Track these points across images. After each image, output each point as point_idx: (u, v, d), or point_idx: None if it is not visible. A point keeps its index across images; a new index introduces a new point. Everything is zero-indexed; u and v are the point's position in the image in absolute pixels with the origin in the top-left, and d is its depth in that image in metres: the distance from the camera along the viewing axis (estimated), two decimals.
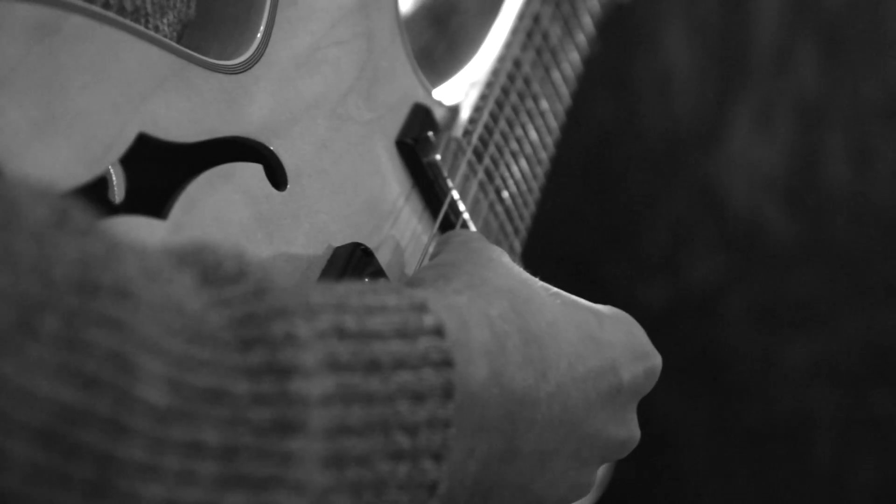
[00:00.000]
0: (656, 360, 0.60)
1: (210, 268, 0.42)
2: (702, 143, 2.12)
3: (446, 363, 0.46)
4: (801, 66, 2.11)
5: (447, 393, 0.46)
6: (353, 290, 0.46)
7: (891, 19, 2.10)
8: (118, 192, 0.52)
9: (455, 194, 0.69)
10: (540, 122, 0.80)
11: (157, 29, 0.58)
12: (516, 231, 0.76)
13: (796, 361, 2.06)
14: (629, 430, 0.59)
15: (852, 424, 2.05)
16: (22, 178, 0.36)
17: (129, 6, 0.56)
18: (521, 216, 0.76)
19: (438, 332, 0.47)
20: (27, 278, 0.35)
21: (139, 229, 0.49)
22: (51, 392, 0.35)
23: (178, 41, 0.60)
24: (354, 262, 0.60)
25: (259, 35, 0.60)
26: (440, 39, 0.88)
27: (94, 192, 0.49)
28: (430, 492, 0.46)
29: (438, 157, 0.68)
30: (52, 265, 0.35)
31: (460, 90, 0.76)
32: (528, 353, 0.53)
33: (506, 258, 0.58)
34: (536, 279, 0.58)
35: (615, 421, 0.57)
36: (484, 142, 0.74)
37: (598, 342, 0.56)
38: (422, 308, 0.47)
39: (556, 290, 0.58)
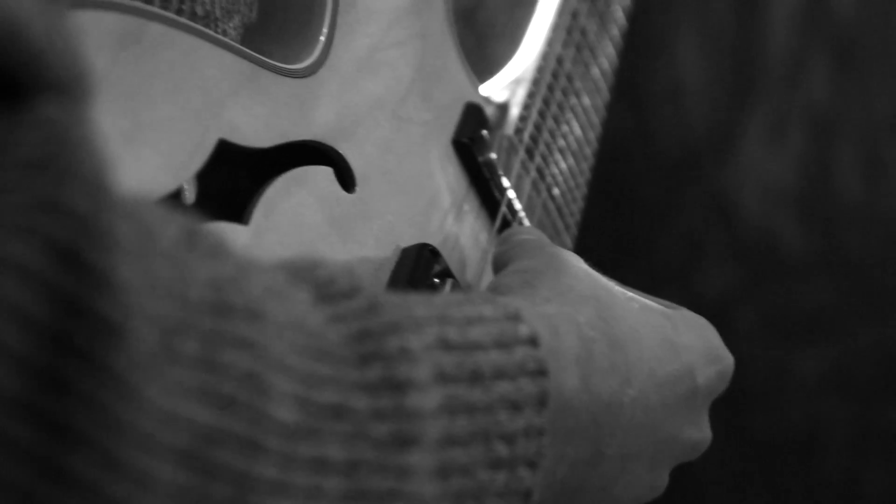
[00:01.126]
0: (729, 361, 0.61)
1: (324, 284, 0.42)
2: (714, 155, 2.12)
3: (541, 372, 0.47)
4: (813, 78, 2.12)
5: (542, 401, 0.47)
6: (452, 302, 0.47)
7: None
8: (189, 198, 0.52)
9: (511, 193, 0.70)
10: (583, 118, 0.81)
11: (224, 33, 0.59)
12: (567, 227, 0.77)
13: (809, 373, 2.06)
14: (702, 432, 0.60)
15: (865, 437, 2.05)
16: (146, 198, 0.36)
17: (200, 11, 0.56)
18: (570, 212, 0.77)
19: (533, 341, 0.47)
20: (166, 302, 0.35)
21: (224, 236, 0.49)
22: (192, 413, 0.35)
23: (243, 44, 0.61)
24: (423, 262, 0.60)
25: (322, 39, 0.61)
26: (468, 34, 0.88)
27: (173, 200, 0.50)
28: (525, 499, 0.46)
29: (494, 155, 0.69)
30: (187, 287, 0.36)
31: (504, 87, 0.77)
32: (614, 359, 0.53)
33: (581, 262, 0.59)
34: (613, 282, 0.59)
35: (690, 423, 0.58)
36: (534, 140, 0.75)
37: (676, 346, 0.57)
38: (516, 317, 0.47)
39: (630, 293, 0.59)
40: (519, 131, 0.73)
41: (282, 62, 0.58)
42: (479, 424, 0.44)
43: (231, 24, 0.59)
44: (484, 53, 0.93)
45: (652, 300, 0.64)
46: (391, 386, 0.40)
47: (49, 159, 0.33)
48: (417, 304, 0.45)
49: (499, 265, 0.61)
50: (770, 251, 2.14)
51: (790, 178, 2.14)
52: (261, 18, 0.62)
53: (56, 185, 0.33)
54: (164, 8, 0.54)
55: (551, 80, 0.78)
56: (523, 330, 0.47)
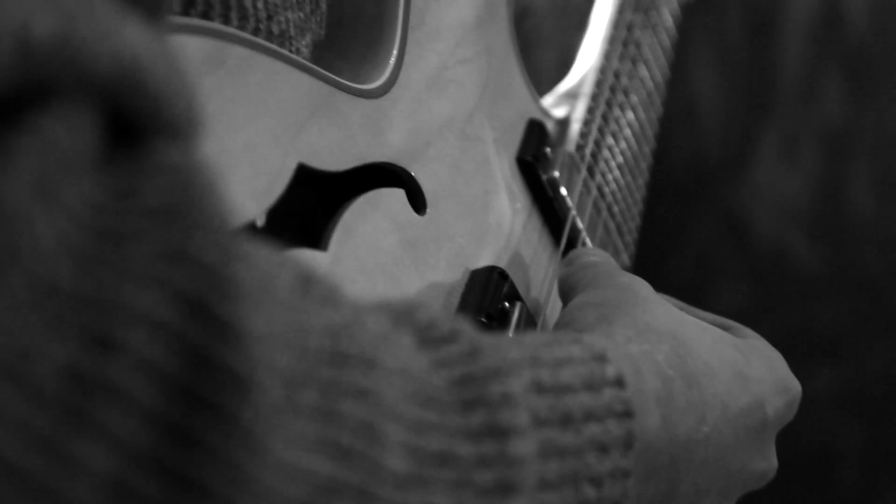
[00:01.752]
0: (797, 390, 0.62)
1: (425, 328, 0.42)
2: (727, 173, 2.12)
3: (627, 414, 0.47)
4: (826, 96, 2.11)
5: (628, 443, 0.47)
6: (541, 343, 0.47)
7: None
8: (259, 223, 0.52)
9: (574, 211, 0.69)
10: (639, 133, 0.81)
11: (298, 51, 0.57)
12: (626, 245, 0.76)
13: (822, 392, 2.05)
14: (769, 462, 0.60)
15: (878, 456, 2.04)
16: (259, 242, 0.36)
17: (276, 30, 0.55)
18: (629, 230, 0.77)
19: (619, 382, 0.48)
20: (287, 352, 0.34)
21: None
22: (312, 465, 0.34)
23: (313, 62, 0.60)
24: (492, 286, 0.59)
25: (393, 59, 0.59)
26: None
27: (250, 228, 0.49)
28: None
29: (557, 173, 0.68)
30: (306, 337, 0.35)
31: (563, 102, 0.76)
32: (690, 397, 0.54)
33: (650, 290, 0.59)
34: (684, 312, 0.59)
35: (759, 455, 0.59)
36: (594, 156, 0.74)
37: (747, 379, 0.58)
38: (603, 358, 0.48)
39: (703, 322, 0.59)
40: (580, 148, 0.72)
41: (353, 80, 0.57)
42: (570, 467, 0.44)
43: (304, 42, 0.58)
44: (529, 61, 0.92)
45: (716, 319, 0.64)
46: (494, 432, 0.41)
47: (175, 208, 0.33)
48: (511, 346, 0.45)
49: (566, 289, 0.60)
50: (783, 270, 2.13)
51: (803, 197, 2.14)
52: (329, 35, 0.61)
53: (184, 235, 0.32)
54: (242, 28, 0.53)
55: (609, 95, 0.77)
56: (610, 371, 0.47)
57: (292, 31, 0.56)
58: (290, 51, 0.57)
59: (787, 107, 2.12)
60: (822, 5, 2.10)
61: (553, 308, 0.65)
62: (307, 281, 0.37)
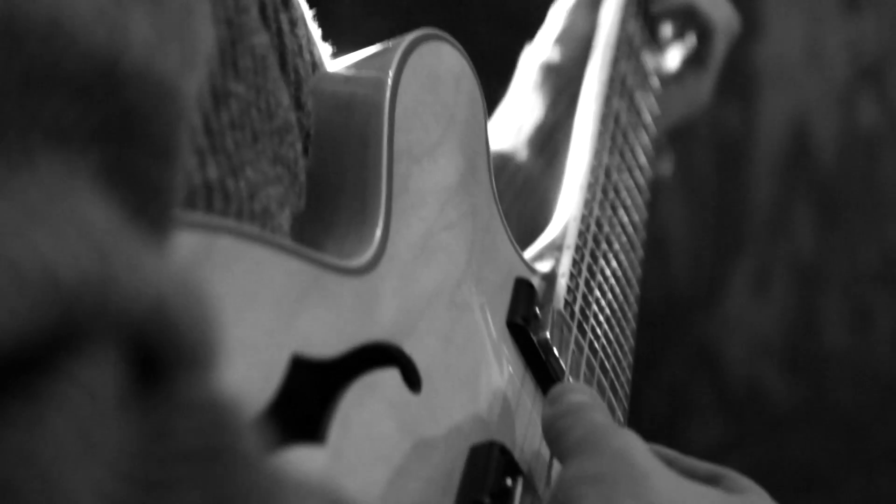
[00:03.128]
0: None
1: None
2: (699, 306, 2.11)
3: None
4: (797, 229, 2.12)
5: None
6: None
7: (885, 184, 2.11)
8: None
9: (568, 373, 0.67)
10: (622, 280, 0.79)
11: (280, 227, 0.55)
12: (618, 401, 0.73)
13: None
14: None
15: None
16: (282, 466, 0.34)
17: (258, 208, 0.53)
18: (620, 385, 0.74)
19: None
20: None
21: (302, 462, 0.46)
22: None
23: (295, 236, 0.58)
24: (493, 463, 0.57)
25: (378, 230, 0.57)
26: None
27: None
28: None
29: (548, 334, 0.66)
30: None
31: (546, 254, 0.75)
32: None
33: (648, 457, 0.57)
34: (676, 463, 0.59)
35: None
36: (584, 312, 0.72)
37: None
38: None
39: (701, 487, 0.57)
40: (568, 304, 0.70)
41: (338, 253, 0.56)
42: None
43: (284, 216, 0.56)
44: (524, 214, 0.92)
45: (710, 470, 0.63)
46: None
47: (213, 450, 0.32)
48: None
49: (553, 436, 0.58)
50: (756, 403, 2.11)
51: (776, 329, 2.13)
52: (311, 206, 0.59)
53: (226, 482, 0.31)
54: (226, 210, 0.51)
55: (593, 246, 0.76)
56: None
57: (273, 207, 0.55)
58: (272, 227, 0.55)
59: (757, 240, 2.12)
60: (791, 140, 2.12)
61: (554, 473, 0.63)
62: None
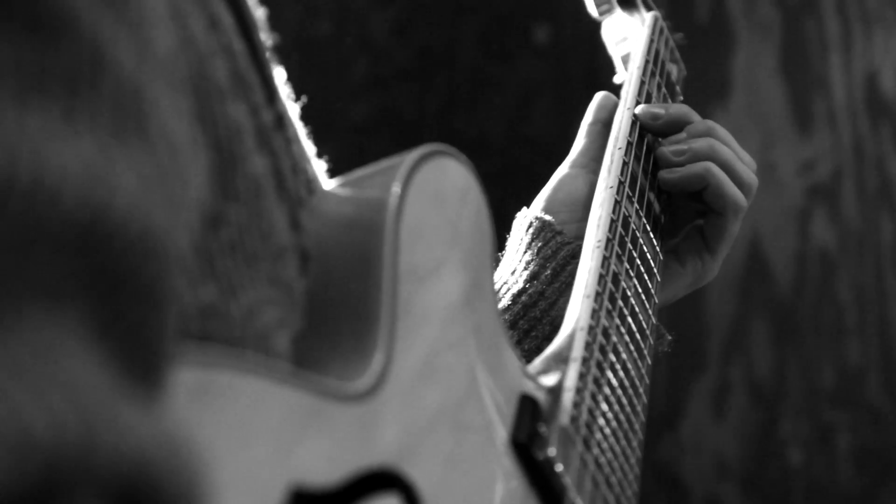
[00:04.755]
0: None
1: None
2: (657, 428, 2.09)
3: None
4: (754, 348, 2.11)
5: None
6: None
7: (841, 301, 2.12)
8: None
9: (572, 491, 0.66)
10: (630, 391, 0.77)
11: (278, 348, 0.55)
12: None
13: None
14: None
15: None
16: None
17: (256, 329, 0.53)
18: (628, 497, 0.72)
19: None
20: None
21: None
22: None
23: (295, 357, 0.57)
24: None
25: (381, 355, 0.56)
26: None
27: None
28: None
29: (553, 452, 0.65)
30: None
31: (552, 366, 0.73)
32: None
33: None
34: None
35: None
36: (590, 427, 0.70)
37: None
38: None
39: None
40: (574, 419, 0.69)
41: (341, 373, 0.55)
42: None
43: (282, 338, 0.55)
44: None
45: None
46: None
47: None
48: None
49: None
50: None
51: (733, 450, 2.11)
52: (311, 326, 0.58)
53: None
54: (223, 332, 0.51)
55: (600, 357, 0.74)
56: None
57: (271, 329, 0.54)
58: (270, 349, 0.54)
59: (714, 362, 2.11)
60: (747, 259, 2.12)
61: None
62: None
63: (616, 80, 1.07)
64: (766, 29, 2.14)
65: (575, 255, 0.89)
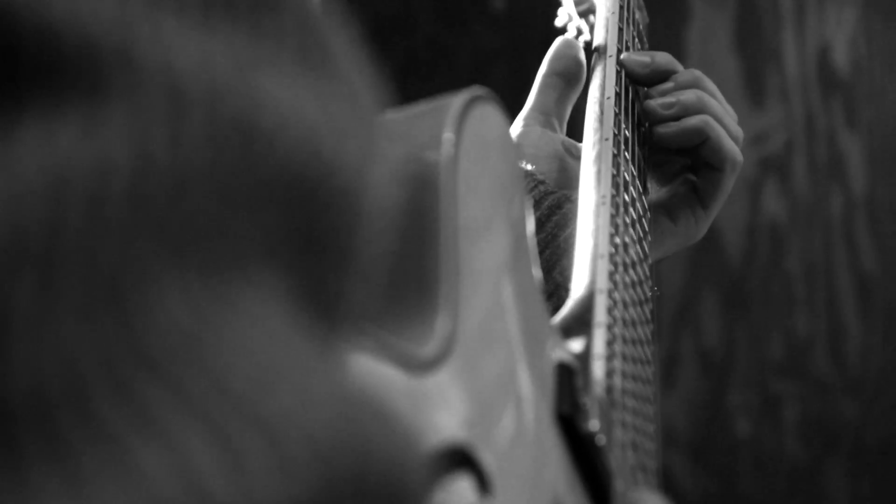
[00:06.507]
0: None
1: None
2: None
3: None
4: (703, 320, 2.11)
5: None
6: None
7: (791, 273, 2.13)
8: None
9: (613, 465, 0.63)
10: (645, 360, 0.74)
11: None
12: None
13: None
14: None
15: None
16: None
17: None
18: (652, 472, 0.70)
19: None
20: None
21: None
22: None
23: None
24: None
25: (449, 318, 0.52)
26: None
27: None
28: None
29: (595, 424, 0.62)
30: None
31: (576, 328, 0.70)
32: None
33: None
34: None
35: None
36: (623, 399, 0.68)
37: None
38: None
39: None
40: (609, 390, 0.66)
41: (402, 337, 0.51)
42: None
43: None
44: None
45: None
46: None
47: None
48: None
49: None
50: (664, 493, 2.10)
51: (682, 420, 2.11)
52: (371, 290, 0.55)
53: None
54: None
55: (621, 323, 0.71)
56: None
57: None
58: None
59: (664, 333, 2.11)
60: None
61: None
62: None
63: (557, 22, 1.01)
64: (720, 1, 2.13)
65: (560, 206, 0.86)
